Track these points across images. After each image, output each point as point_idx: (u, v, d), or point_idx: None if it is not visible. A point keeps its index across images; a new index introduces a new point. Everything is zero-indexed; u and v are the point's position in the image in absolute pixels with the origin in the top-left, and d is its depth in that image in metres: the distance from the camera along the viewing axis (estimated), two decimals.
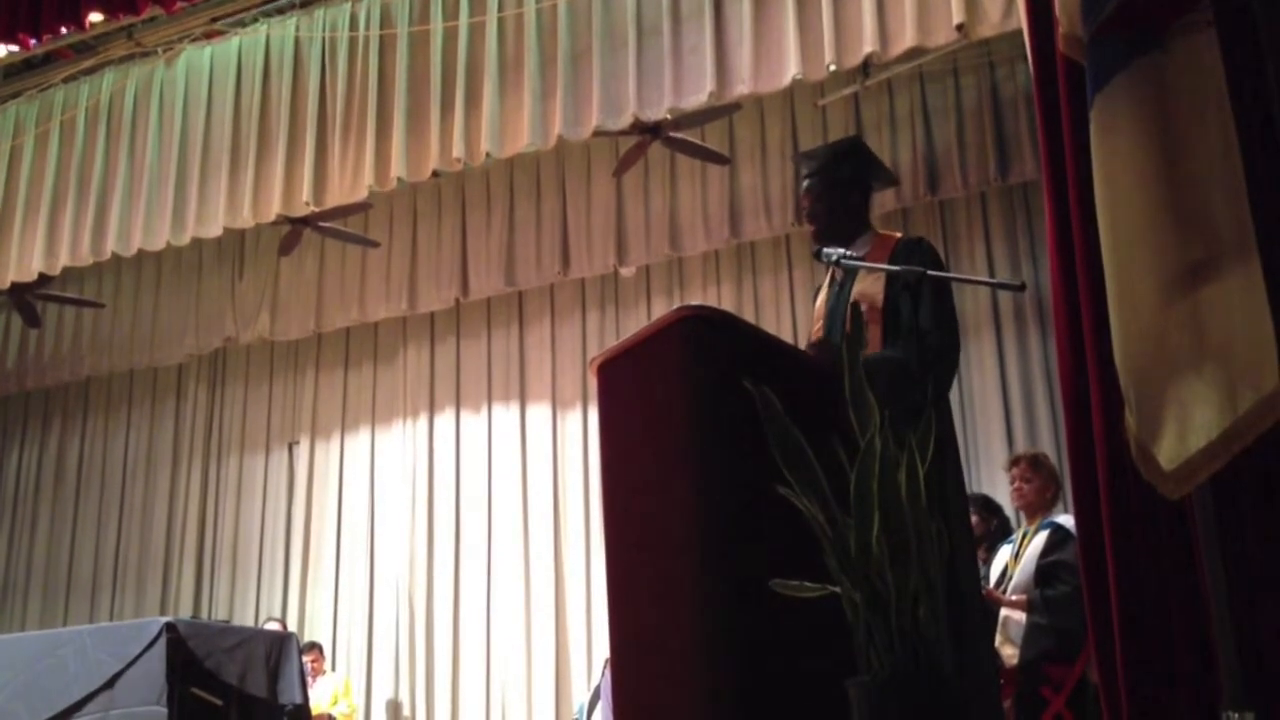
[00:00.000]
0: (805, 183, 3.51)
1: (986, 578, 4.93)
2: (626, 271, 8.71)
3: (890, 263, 3.23)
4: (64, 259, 7.39)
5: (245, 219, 7.00)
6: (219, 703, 4.72)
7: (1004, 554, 5.00)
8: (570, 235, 8.63)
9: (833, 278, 3.48)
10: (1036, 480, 4.96)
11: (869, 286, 3.28)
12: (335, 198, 6.87)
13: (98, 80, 7.62)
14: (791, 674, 2.43)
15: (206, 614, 9.37)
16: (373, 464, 9.52)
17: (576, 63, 6.32)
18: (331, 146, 6.75)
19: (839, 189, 3.44)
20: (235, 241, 9.43)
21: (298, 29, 7.08)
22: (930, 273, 3.14)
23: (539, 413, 9.06)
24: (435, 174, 7.20)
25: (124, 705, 4.55)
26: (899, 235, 3.48)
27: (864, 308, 3.11)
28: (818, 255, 3.31)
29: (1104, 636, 2.31)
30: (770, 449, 2.13)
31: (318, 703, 7.64)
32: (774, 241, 8.43)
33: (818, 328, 3.43)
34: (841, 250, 3.25)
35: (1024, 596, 4.68)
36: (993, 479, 6.89)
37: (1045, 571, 4.66)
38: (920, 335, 3.16)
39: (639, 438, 2.76)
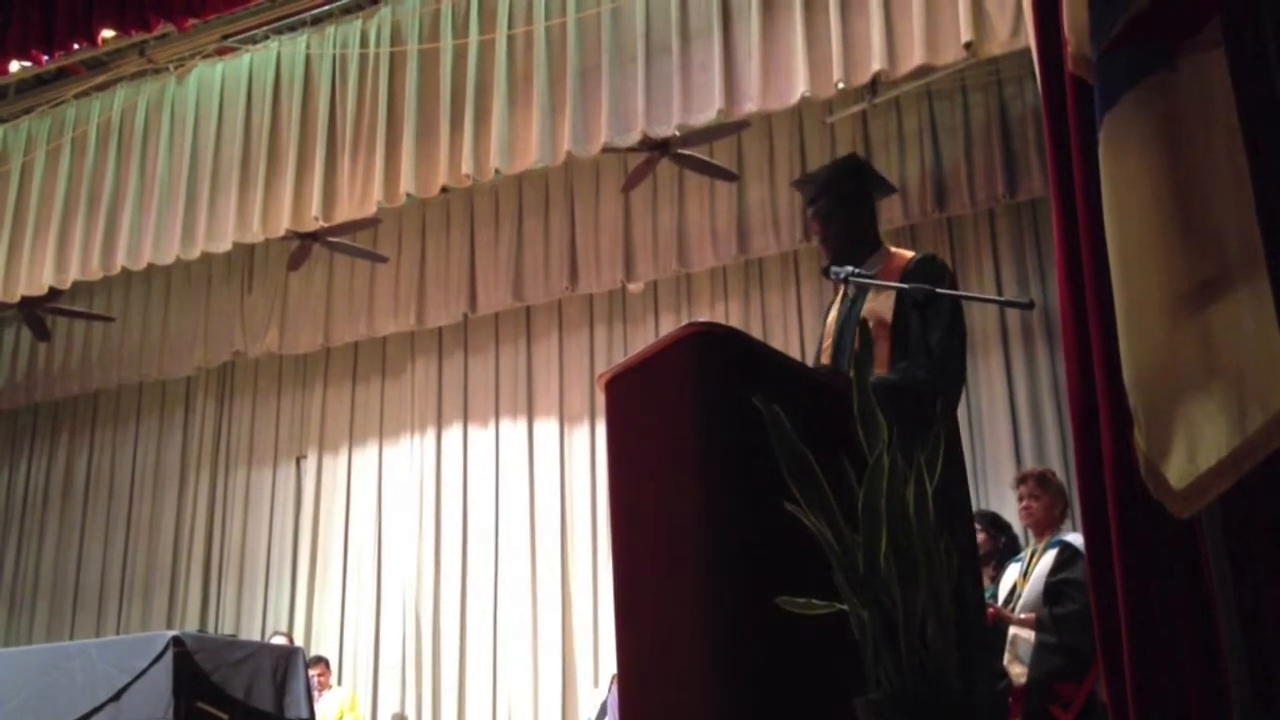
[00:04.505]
0: (812, 206, 3.50)
1: (995, 596, 4.91)
2: (634, 287, 8.73)
3: (903, 279, 3.22)
4: (74, 273, 7.43)
5: (255, 234, 7.04)
6: (225, 717, 4.71)
7: (1012, 572, 4.98)
8: (578, 251, 8.65)
9: (844, 294, 3.47)
10: (1045, 498, 4.94)
11: (879, 303, 3.27)
12: (344, 213, 6.90)
13: (109, 96, 7.67)
14: (799, 691, 2.43)
15: (213, 627, 9.38)
16: (380, 478, 9.53)
17: (585, 80, 6.34)
18: (341, 162, 6.79)
19: (847, 208, 3.44)
20: (244, 256, 9.47)
21: (309, 46, 7.12)
22: (939, 291, 3.13)
23: (546, 428, 9.06)
24: (444, 190, 7.23)
25: (130, 719, 4.55)
26: (912, 253, 3.47)
27: (872, 324, 3.11)
28: (826, 272, 3.31)
29: (1113, 655, 2.30)
30: (778, 466, 2.13)
31: (324, 717, 7.63)
32: (782, 258, 8.45)
33: (827, 344, 3.43)
34: (850, 268, 3.25)
35: (1033, 615, 4.65)
36: (1001, 496, 6.87)
37: (1054, 590, 4.65)
38: (928, 353, 3.15)
39: (647, 453, 2.76)
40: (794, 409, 2.19)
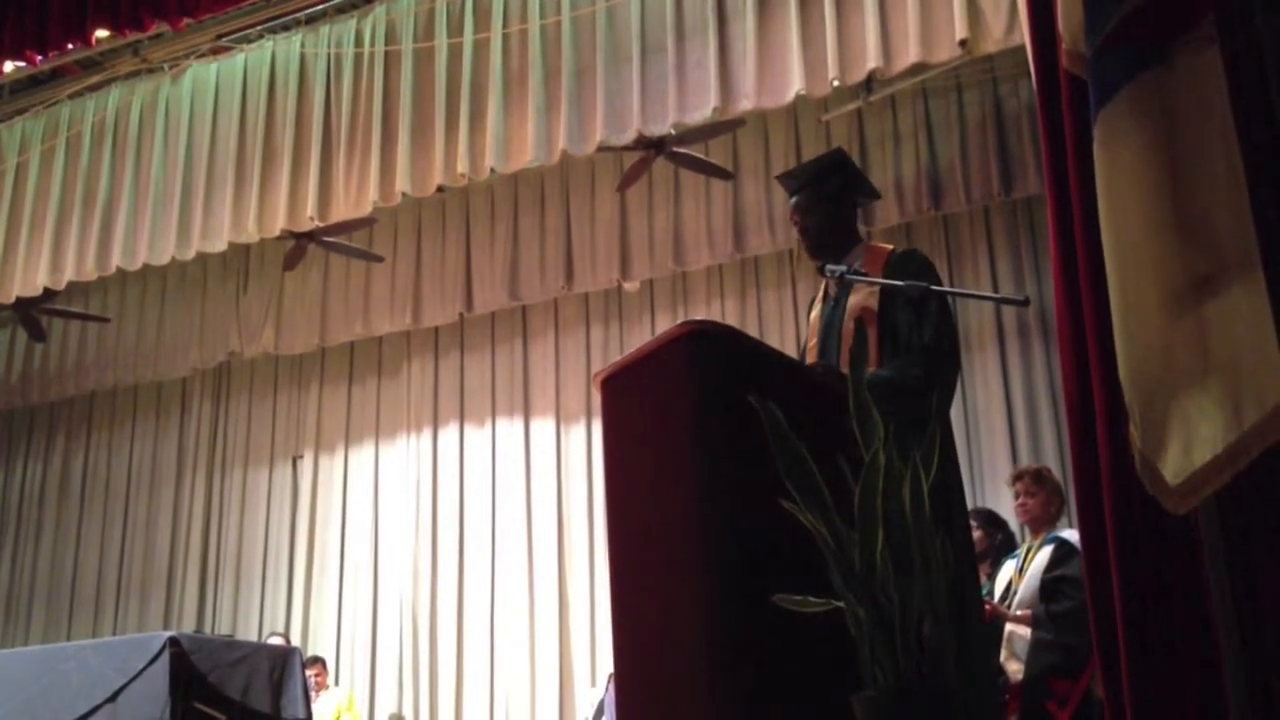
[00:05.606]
0: (793, 199, 3.52)
1: (991, 593, 4.91)
2: (630, 286, 8.72)
3: (884, 275, 3.24)
4: (69, 274, 7.42)
5: (250, 234, 7.03)
6: (222, 717, 4.71)
7: (1008, 569, 4.98)
8: (574, 250, 8.64)
9: (826, 292, 3.48)
10: (1041, 495, 4.95)
11: (864, 299, 3.27)
12: (340, 212, 6.89)
13: (104, 96, 7.66)
14: (796, 690, 2.43)
15: (210, 628, 9.37)
16: (376, 478, 9.52)
17: (581, 78, 6.34)
18: (336, 162, 6.78)
19: (828, 202, 3.45)
20: (240, 256, 9.45)
21: (303, 45, 7.11)
22: (934, 288, 3.14)
23: (543, 427, 9.06)
24: (440, 189, 7.23)
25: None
26: (890, 247, 3.48)
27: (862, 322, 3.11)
28: (822, 270, 3.32)
29: (1109, 652, 2.30)
30: (774, 464, 2.13)
31: (321, 717, 7.62)
32: (778, 256, 8.44)
33: (812, 343, 3.43)
34: (845, 266, 3.25)
35: (1029, 612, 4.66)
36: (997, 494, 6.88)
37: (1050, 586, 4.65)
38: (922, 350, 3.15)
39: (643, 452, 2.76)
40: (790, 407, 2.20)
